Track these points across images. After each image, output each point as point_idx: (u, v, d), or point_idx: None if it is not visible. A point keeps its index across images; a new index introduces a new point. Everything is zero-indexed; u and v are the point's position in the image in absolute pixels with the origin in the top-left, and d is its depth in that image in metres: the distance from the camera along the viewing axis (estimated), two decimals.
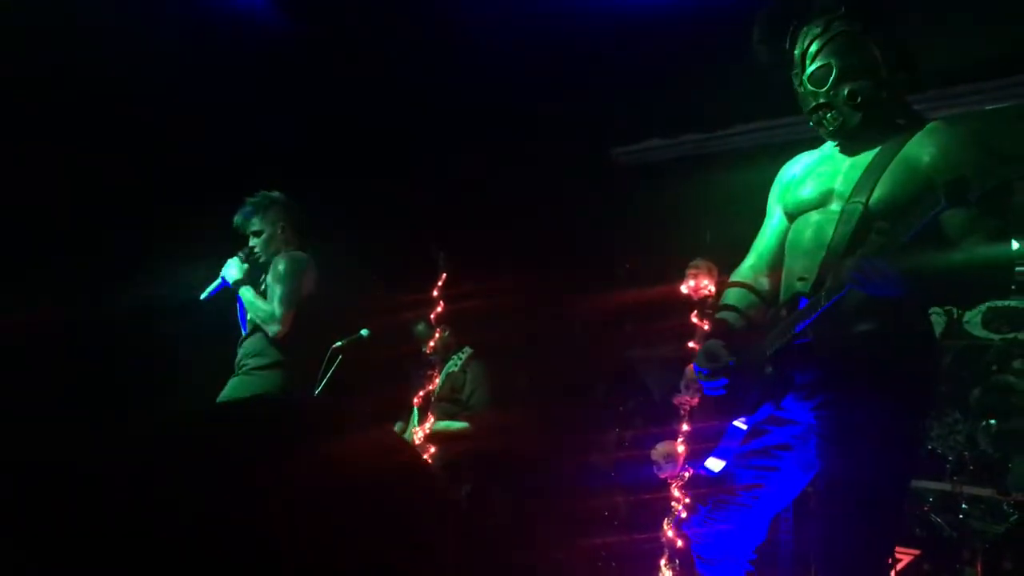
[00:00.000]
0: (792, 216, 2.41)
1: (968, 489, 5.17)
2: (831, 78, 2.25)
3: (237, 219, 3.98)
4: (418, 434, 4.94)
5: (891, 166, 2.17)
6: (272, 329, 3.74)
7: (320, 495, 1.18)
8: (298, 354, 3.84)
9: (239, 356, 3.91)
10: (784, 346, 2.20)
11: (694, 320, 4.50)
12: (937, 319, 6.76)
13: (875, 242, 2.06)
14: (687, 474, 4.13)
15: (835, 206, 2.26)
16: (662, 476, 4.47)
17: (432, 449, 4.76)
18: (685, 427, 4.21)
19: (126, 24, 3.89)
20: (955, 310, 6.72)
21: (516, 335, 5.17)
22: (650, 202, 4.94)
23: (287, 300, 3.76)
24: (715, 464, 2.46)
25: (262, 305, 3.78)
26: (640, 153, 5.27)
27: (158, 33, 4.00)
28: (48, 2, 3.78)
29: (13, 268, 3.96)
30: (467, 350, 4.76)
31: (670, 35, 3.99)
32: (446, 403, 4.76)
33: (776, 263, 2.45)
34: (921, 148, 2.17)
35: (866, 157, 2.25)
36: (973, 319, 6.60)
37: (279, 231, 3.97)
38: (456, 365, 4.72)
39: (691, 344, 4.43)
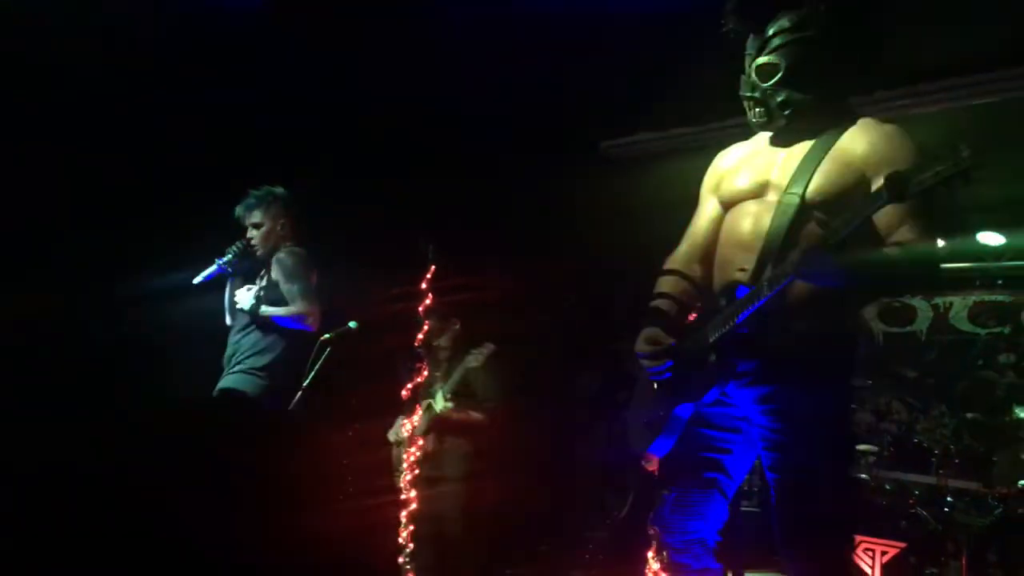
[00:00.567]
0: (727, 205, 2.45)
1: (953, 482, 5.21)
2: (774, 79, 2.29)
3: (238, 210, 4.01)
4: (406, 427, 4.93)
5: (825, 159, 2.24)
6: (307, 324, 3.84)
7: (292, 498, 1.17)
8: (298, 352, 3.86)
9: (233, 351, 3.89)
10: (726, 334, 2.24)
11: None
12: (924, 314, 6.81)
13: (818, 235, 2.12)
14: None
15: (772, 196, 2.31)
16: (650, 469, 4.48)
17: (424, 441, 4.74)
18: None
19: (113, 19, 3.86)
20: (941, 304, 6.77)
21: (504, 328, 5.15)
22: (639, 195, 4.94)
23: (308, 293, 3.85)
24: (660, 448, 2.48)
25: (285, 312, 3.84)
26: (630, 146, 5.26)
27: (142, 25, 3.97)
28: None
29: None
30: (488, 346, 4.71)
31: (660, 27, 3.98)
32: (461, 397, 4.73)
33: (709, 251, 2.50)
34: (854, 142, 2.24)
35: (801, 149, 2.31)
36: (959, 314, 6.65)
37: (278, 227, 4.01)
38: (477, 360, 4.67)
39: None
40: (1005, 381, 5.48)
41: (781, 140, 2.39)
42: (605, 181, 5.16)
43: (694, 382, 2.33)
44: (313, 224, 4.16)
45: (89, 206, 4.36)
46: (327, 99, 4.72)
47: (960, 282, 6.57)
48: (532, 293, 5.88)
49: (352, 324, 4.10)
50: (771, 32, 2.29)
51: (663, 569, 2.68)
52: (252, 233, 3.97)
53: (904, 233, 2.12)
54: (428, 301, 5.24)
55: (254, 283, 4.02)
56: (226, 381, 3.86)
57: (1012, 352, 6.13)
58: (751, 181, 2.39)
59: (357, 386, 4.97)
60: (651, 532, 2.54)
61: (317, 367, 3.93)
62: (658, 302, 2.52)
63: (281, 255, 3.91)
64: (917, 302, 6.79)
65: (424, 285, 5.63)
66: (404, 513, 5.60)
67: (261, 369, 3.83)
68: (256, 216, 3.98)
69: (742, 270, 2.28)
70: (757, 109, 2.35)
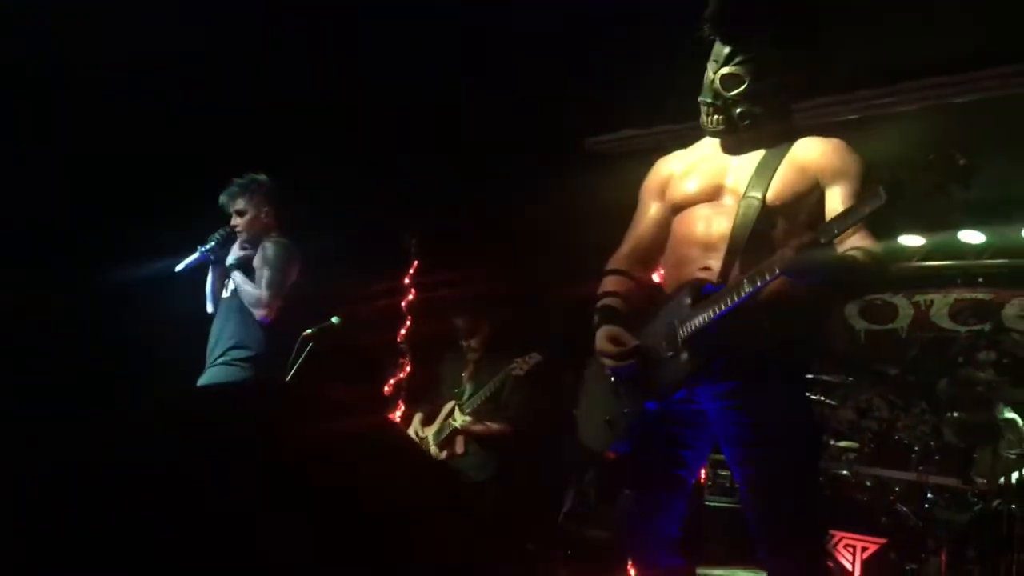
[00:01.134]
0: (677, 208, 2.52)
1: (934, 479, 5.24)
2: (737, 90, 2.35)
3: (222, 198, 3.98)
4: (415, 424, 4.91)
5: (781, 167, 2.36)
6: (259, 313, 3.77)
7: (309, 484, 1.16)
8: (283, 343, 3.84)
9: (217, 343, 3.86)
10: (698, 332, 2.28)
11: None
12: (905, 311, 6.85)
13: (799, 234, 2.18)
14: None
15: (728, 200, 2.41)
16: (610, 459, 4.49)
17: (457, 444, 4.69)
18: None
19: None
20: (922, 302, 6.81)
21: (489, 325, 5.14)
22: (624, 191, 4.93)
23: (275, 284, 3.78)
24: (623, 445, 2.51)
25: (250, 289, 3.80)
26: (615, 143, 5.26)
27: (130, 15, 3.93)
28: None
29: None
30: (535, 356, 4.66)
31: (645, 24, 3.98)
32: (490, 403, 4.68)
33: (652, 252, 2.62)
34: (808, 153, 2.37)
35: (753, 157, 2.41)
36: (940, 311, 6.69)
37: (262, 214, 3.98)
38: (522, 369, 4.62)
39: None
40: (985, 378, 5.51)
41: (733, 148, 2.47)
42: (590, 177, 5.16)
43: (662, 379, 2.36)
44: (295, 219, 4.13)
45: (73, 198, 4.33)
46: (311, 93, 4.70)
47: (941, 280, 6.62)
48: (515, 290, 5.86)
49: (335, 320, 4.08)
50: (740, 45, 2.35)
51: (633, 566, 2.71)
52: (236, 220, 3.95)
53: (863, 239, 2.24)
54: (411, 296, 5.23)
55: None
56: (209, 375, 3.83)
57: (992, 350, 6.16)
58: (703, 185, 2.47)
59: (340, 382, 4.95)
60: (617, 532, 2.57)
61: (299, 363, 3.92)
62: (609, 300, 2.56)
63: (268, 244, 3.89)
64: (898, 300, 6.84)
65: (407, 280, 5.61)
66: None
67: (245, 360, 3.80)
68: (240, 203, 3.96)
69: (705, 268, 2.36)
70: (716, 116, 2.42)
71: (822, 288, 2.28)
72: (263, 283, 3.78)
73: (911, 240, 6.18)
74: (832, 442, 5.62)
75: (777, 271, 2.12)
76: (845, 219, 2.09)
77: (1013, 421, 5.09)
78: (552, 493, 6.84)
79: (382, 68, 4.53)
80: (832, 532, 4.92)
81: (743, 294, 2.18)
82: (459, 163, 5.27)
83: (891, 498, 5.30)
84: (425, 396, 5.09)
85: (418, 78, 4.62)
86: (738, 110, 2.37)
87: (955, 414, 5.37)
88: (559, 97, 4.70)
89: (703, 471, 5.05)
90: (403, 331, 5.45)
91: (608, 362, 2.44)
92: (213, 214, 3.99)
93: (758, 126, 2.40)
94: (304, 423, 1.25)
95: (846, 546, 4.90)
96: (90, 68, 4.07)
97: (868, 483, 5.48)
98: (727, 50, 2.36)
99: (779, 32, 2.34)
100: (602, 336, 2.46)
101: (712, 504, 5.51)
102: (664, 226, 2.59)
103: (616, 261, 2.67)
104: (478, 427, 4.66)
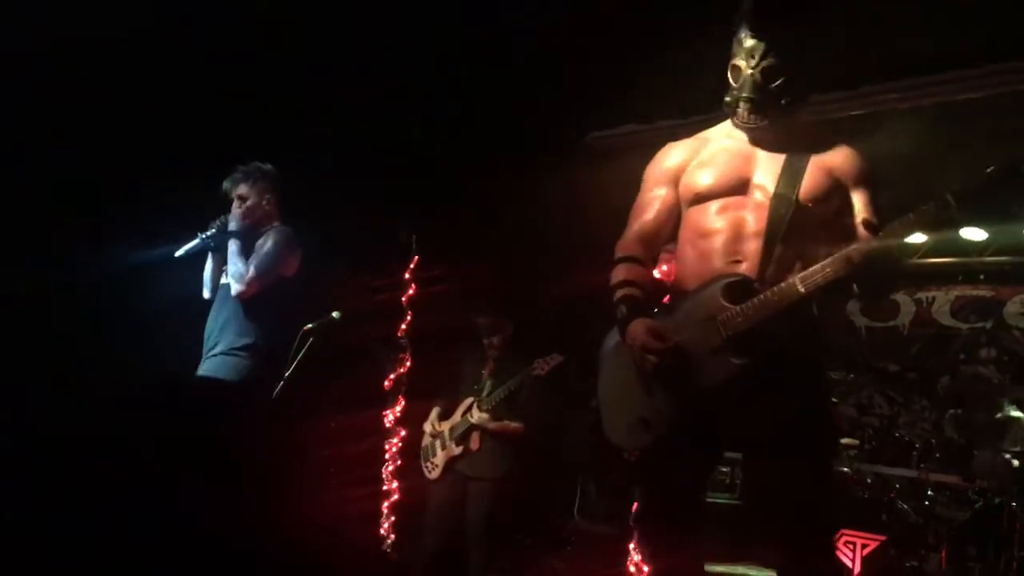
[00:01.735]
0: (695, 199, 2.49)
1: (934, 476, 5.24)
2: (779, 81, 2.36)
3: (226, 184, 3.96)
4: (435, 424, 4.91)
5: (808, 168, 2.40)
6: (236, 287, 3.74)
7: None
8: (279, 332, 3.83)
9: (215, 332, 3.83)
10: (745, 331, 2.25)
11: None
12: (907, 308, 6.84)
13: (862, 234, 2.25)
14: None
15: (758, 195, 2.41)
16: (630, 460, 4.49)
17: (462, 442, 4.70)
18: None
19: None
20: (924, 299, 6.81)
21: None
22: (626, 187, 4.92)
23: (262, 267, 3.75)
24: (659, 443, 2.44)
25: (239, 263, 3.77)
26: (616, 138, 5.24)
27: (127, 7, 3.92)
28: None
29: None
30: (556, 357, 4.65)
31: (646, 19, 3.97)
32: (508, 402, 4.68)
33: (659, 239, 2.60)
34: (832, 156, 2.44)
35: (777, 155, 2.44)
36: (942, 308, 6.69)
37: (264, 201, 3.96)
38: (543, 370, 4.60)
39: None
40: (986, 375, 5.51)
41: (761, 143, 2.47)
42: (591, 172, 5.15)
43: (706, 379, 2.31)
44: (296, 214, 4.12)
45: (69, 185, 4.32)
46: (311, 89, 4.69)
47: (943, 277, 6.61)
48: (517, 284, 5.86)
49: (335, 314, 4.07)
50: (776, 37, 2.35)
51: (645, 562, 2.70)
52: (237, 206, 3.93)
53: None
54: (411, 291, 5.22)
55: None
56: (207, 367, 3.81)
57: (993, 347, 6.17)
58: (725, 178, 2.45)
59: (341, 376, 4.95)
60: (636, 529, 2.55)
61: (300, 357, 3.90)
62: (630, 290, 2.51)
63: (271, 231, 3.88)
64: (900, 297, 6.83)
65: (407, 275, 5.61)
66: (386, 504, 5.58)
67: (242, 349, 3.77)
68: (242, 188, 3.95)
69: (736, 261, 2.34)
70: (755, 112, 2.40)
71: (867, 288, 2.32)
72: (252, 262, 3.75)
73: (913, 237, 6.16)
74: None
75: (839, 267, 2.15)
76: (911, 222, 2.13)
77: (1014, 418, 5.09)
78: (557, 491, 6.86)
79: (383, 63, 4.52)
80: None
81: (799, 291, 2.19)
82: (460, 158, 5.26)
83: (891, 495, 5.30)
84: (442, 391, 5.09)
85: (419, 73, 4.61)
86: (783, 100, 2.38)
87: (956, 411, 5.37)
88: (560, 92, 4.69)
89: None
90: (403, 326, 5.44)
91: (651, 358, 2.35)
92: (213, 208, 3.98)
93: (792, 117, 2.43)
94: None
95: (846, 543, 4.89)
96: (91, 54, 4.05)
97: (869, 480, 5.48)
98: (762, 44, 2.36)
99: (805, 25, 2.40)
100: (641, 329, 2.37)
101: (711, 500, 5.51)
102: (674, 213, 2.56)
103: (626, 247, 2.60)
104: (494, 424, 4.66)
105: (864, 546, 4.87)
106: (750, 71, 2.37)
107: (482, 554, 4.55)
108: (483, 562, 4.55)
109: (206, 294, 3.99)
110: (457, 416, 4.79)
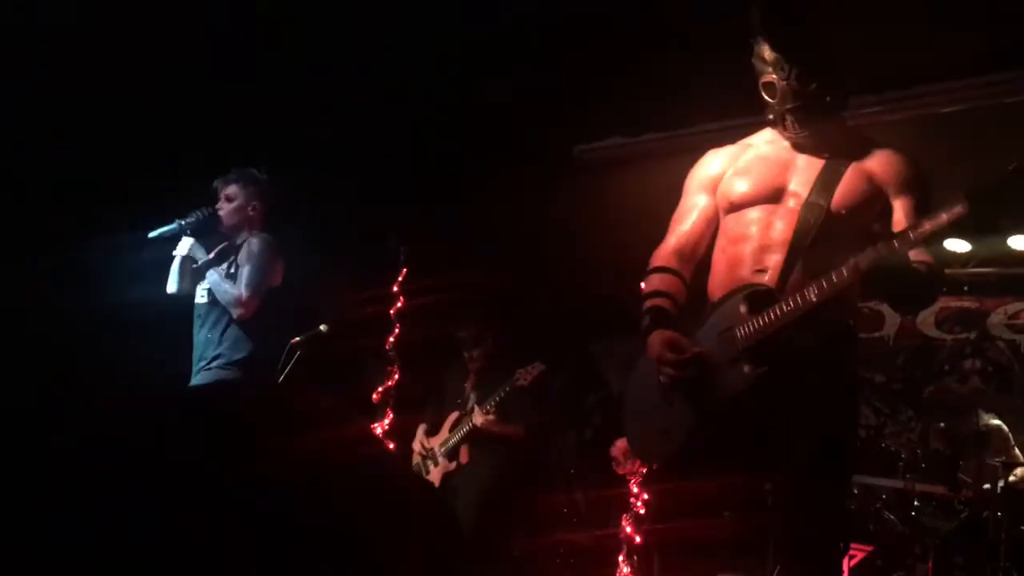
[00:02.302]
0: (734, 207, 2.46)
1: (920, 486, 5.25)
2: (815, 83, 2.32)
3: (217, 181, 3.95)
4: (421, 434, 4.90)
5: (847, 173, 2.34)
6: (236, 312, 3.72)
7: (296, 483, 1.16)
8: (269, 348, 3.81)
9: (203, 349, 3.81)
10: (758, 341, 2.22)
11: None
12: (891, 319, 6.87)
13: (880, 241, 2.16)
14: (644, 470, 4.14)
15: (791, 203, 2.36)
16: (620, 472, 4.49)
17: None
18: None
19: None
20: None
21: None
22: (613, 200, 4.94)
23: (254, 283, 3.73)
24: (679, 454, 2.45)
25: (229, 288, 3.74)
26: (603, 151, 5.26)
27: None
28: None
29: None
30: (538, 366, 4.65)
31: (633, 32, 3.99)
32: (498, 412, 4.67)
33: (699, 249, 2.55)
34: (874, 162, 2.38)
35: (816, 161, 2.39)
36: (926, 319, 6.72)
37: (250, 208, 3.94)
38: (526, 380, 4.60)
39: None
40: (971, 386, 5.54)
41: (803, 148, 2.43)
42: (578, 185, 5.17)
43: (721, 390, 2.29)
44: (284, 225, 4.11)
45: (69, 185, 4.31)
46: (302, 96, 4.69)
47: None
48: (504, 296, 5.86)
49: (322, 327, 4.06)
50: (796, 42, 2.33)
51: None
52: (222, 204, 3.91)
53: (920, 253, 2.21)
54: (400, 303, 5.21)
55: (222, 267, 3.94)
56: (200, 380, 3.79)
57: (978, 357, 6.21)
58: (762, 186, 2.42)
59: (328, 389, 4.93)
60: (623, 535, 2.54)
61: (287, 370, 3.89)
62: (659, 301, 2.48)
63: (253, 240, 3.86)
64: (885, 308, 6.86)
65: (396, 288, 5.60)
66: None
67: (234, 363, 3.76)
68: (232, 189, 3.93)
69: (760, 271, 2.32)
70: (804, 119, 2.36)
71: (886, 297, 2.33)
72: (243, 281, 3.73)
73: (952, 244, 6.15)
74: None
75: (847, 275, 2.10)
76: (925, 227, 2.05)
77: (998, 428, 5.12)
78: (545, 501, 6.83)
79: (372, 75, 4.53)
80: None
81: (811, 300, 2.15)
82: (448, 170, 5.27)
83: (878, 505, 5.30)
84: (427, 407, 5.06)
85: (408, 85, 4.62)
86: (827, 98, 2.35)
87: (941, 421, 5.39)
88: (548, 104, 4.71)
89: None
90: (391, 338, 5.42)
91: (667, 370, 2.34)
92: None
93: (837, 119, 2.41)
94: (288, 435, 1.24)
95: None
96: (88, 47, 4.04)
97: (855, 490, 5.48)
98: (786, 52, 2.33)
99: (820, 29, 2.38)
100: (658, 342, 2.36)
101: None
102: (713, 222, 2.52)
103: (662, 257, 2.56)
104: (499, 426, 4.63)
105: (851, 556, 4.88)
106: (784, 82, 2.33)
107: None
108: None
109: (172, 288, 3.92)
110: (445, 431, 4.77)
